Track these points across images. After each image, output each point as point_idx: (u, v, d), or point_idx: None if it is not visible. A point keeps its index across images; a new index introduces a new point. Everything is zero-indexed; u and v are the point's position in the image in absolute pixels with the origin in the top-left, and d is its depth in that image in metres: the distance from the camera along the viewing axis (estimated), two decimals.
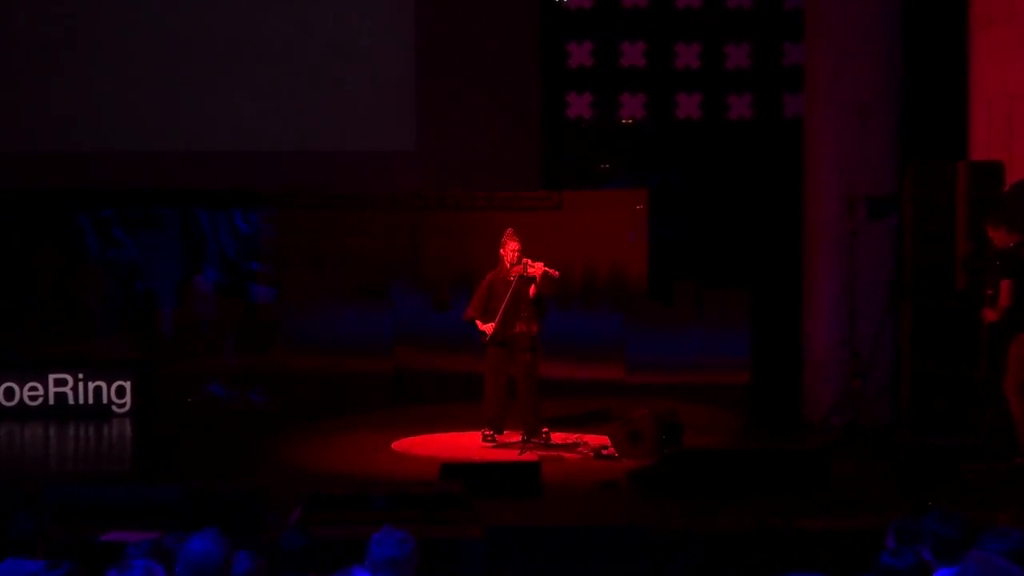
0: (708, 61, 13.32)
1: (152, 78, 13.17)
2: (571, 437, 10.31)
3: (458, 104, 13.20)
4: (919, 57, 11.62)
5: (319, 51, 13.28)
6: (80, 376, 11.99)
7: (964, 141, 10.70)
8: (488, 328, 9.95)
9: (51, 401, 11.94)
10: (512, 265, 9.96)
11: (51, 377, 11.96)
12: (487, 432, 10.16)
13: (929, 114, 11.58)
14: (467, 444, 10.18)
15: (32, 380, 11.93)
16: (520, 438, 9.89)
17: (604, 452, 9.68)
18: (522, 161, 13.30)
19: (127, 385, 12.02)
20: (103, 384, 12.00)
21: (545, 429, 10.12)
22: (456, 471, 8.33)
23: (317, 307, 13.74)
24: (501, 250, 10.08)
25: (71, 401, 11.95)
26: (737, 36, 13.36)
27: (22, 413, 11.81)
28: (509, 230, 10.12)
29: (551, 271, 9.90)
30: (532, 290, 9.93)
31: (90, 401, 11.98)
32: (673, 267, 13.75)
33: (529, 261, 9.93)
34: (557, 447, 10.00)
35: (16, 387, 11.92)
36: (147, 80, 13.17)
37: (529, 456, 9.55)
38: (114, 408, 11.98)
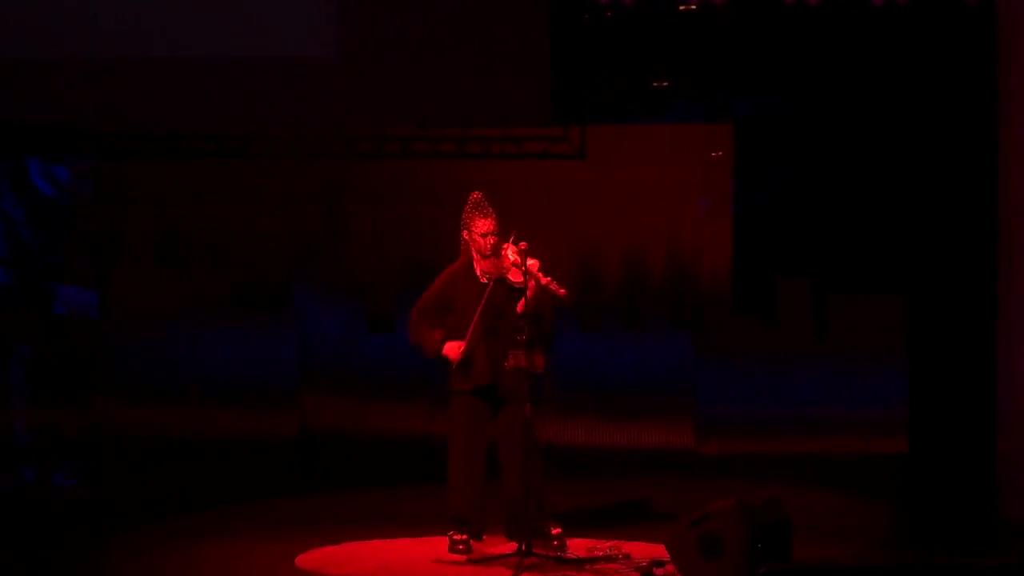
0: None
1: None
2: (602, 544, 10.35)
3: None
4: None
5: None
6: None
7: None
8: (453, 350, 10.03)
9: None
10: (485, 257, 10.00)
11: None
12: (456, 536, 10.17)
13: None
14: (422, 556, 10.22)
15: None
16: (515, 547, 9.88)
17: (658, 571, 9.71)
18: (518, 78, 13.27)
19: None
20: None
21: (557, 530, 10.14)
22: None
23: (167, 324, 13.73)
24: (463, 232, 10.11)
25: None
26: None
27: None
28: (474, 197, 10.13)
29: (554, 286, 9.85)
30: (520, 305, 9.95)
31: None
32: (775, 257, 13.78)
33: (514, 251, 9.89)
34: (578, 562, 10.02)
35: None
36: None
37: None
38: None
